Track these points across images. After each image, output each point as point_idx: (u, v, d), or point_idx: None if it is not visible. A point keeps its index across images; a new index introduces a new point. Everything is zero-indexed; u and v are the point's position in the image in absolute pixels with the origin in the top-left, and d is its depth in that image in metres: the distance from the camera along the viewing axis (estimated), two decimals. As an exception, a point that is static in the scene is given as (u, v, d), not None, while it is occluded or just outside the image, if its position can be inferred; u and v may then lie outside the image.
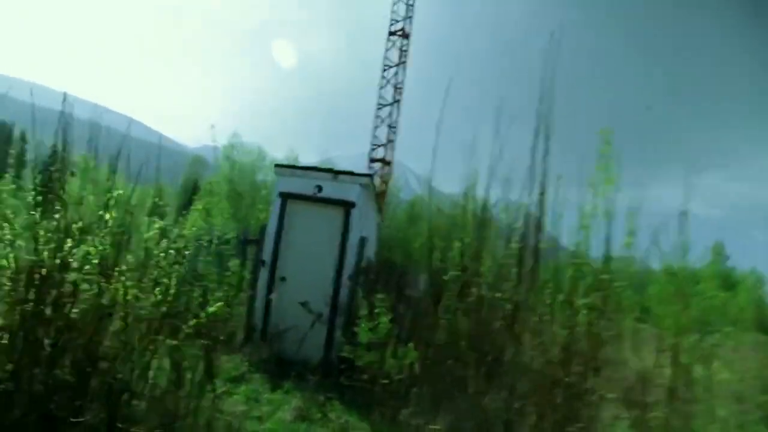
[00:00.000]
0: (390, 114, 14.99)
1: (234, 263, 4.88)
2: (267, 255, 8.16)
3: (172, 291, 4.08)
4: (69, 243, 3.76)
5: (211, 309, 4.09)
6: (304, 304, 7.91)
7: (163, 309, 4.04)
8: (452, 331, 5.32)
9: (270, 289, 8.04)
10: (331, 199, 8.15)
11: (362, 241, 7.63)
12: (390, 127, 14.93)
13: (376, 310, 5.27)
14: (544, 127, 5.20)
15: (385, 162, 14.92)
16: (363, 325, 5.23)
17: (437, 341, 5.31)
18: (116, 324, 3.99)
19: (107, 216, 4.12)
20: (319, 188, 8.20)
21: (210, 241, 6.73)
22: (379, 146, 14.94)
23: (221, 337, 7.95)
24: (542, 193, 5.17)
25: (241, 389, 6.29)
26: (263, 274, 8.15)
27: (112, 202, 4.16)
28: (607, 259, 4.92)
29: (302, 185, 8.28)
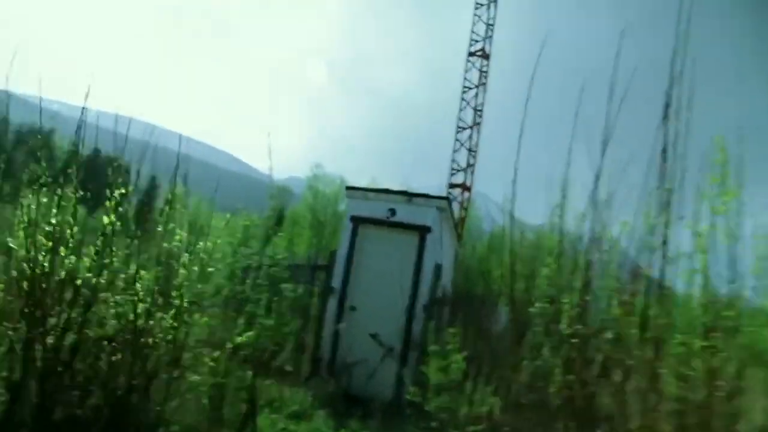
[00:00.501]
0: (470, 137, 14.36)
1: (290, 288, 4.40)
2: (336, 282, 7.71)
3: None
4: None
5: (238, 339, 3.61)
6: (374, 336, 7.35)
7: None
8: (539, 373, 4.55)
9: (339, 318, 7.55)
10: (405, 224, 7.61)
11: (438, 269, 7.02)
12: (470, 150, 14.28)
13: (449, 347, 4.60)
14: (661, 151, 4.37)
15: (465, 187, 14.23)
16: (432, 363, 4.56)
17: (521, 385, 4.56)
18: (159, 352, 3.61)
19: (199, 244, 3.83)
20: (393, 212, 7.70)
21: (262, 265, 6.35)
22: (458, 171, 14.28)
23: (285, 368, 7.59)
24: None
25: (301, 427, 5.77)
26: (332, 303, 7.69)
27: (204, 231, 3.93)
28: (733, 290, 4.03)
29: (375, 209, 7.81)
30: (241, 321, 4.21)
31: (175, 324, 3.52)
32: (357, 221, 7.84)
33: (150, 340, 3.44)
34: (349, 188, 8.08)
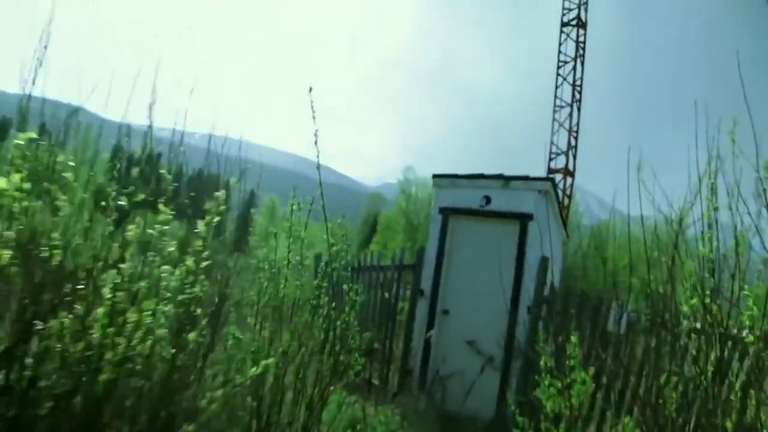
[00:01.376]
0: (569, 116, 12.83)
1: (352, 288, 3.55)
2: (426, 283, 6.79)
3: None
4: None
5: (252, 371, 2.79)
6: (471, 344, 6.37)
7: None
8: (695, 397, 3.36)
9: (430, 324, 6.63)
10: (503, 212, 6.55)
11: (544, 263, 5.90)
12: (570, 131, 12.76)
13: (570, 362, 3.51)
14: None
15: (568, 172, 12.70)
16: (547, 385, 3.48)
17: (672, 415, 3.41)
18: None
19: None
20: (487, 199, 6.67)
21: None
22: (558, 155, 12.80)
23: (372, 381, 6.77)
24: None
25: (389, 454, 4.91)
26: (422, 306, 6.78)
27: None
28: None
29: (466, 197, 6.82)
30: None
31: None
32: (447, 213, 6.88)
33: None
34: (436, 176, 7.13)
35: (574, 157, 12.67)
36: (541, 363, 3.36)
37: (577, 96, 12.61)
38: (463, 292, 6.69)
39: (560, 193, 12.44)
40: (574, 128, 12.65)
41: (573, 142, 12.62)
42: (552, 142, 12.95)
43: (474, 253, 6.73)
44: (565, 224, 8.07)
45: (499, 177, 6.68)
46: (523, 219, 6.40)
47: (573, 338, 3.45)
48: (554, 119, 12.80)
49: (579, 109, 12.62)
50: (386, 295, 6.92)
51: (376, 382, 6.77)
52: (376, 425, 5.42)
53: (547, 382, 3.48)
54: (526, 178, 6.53)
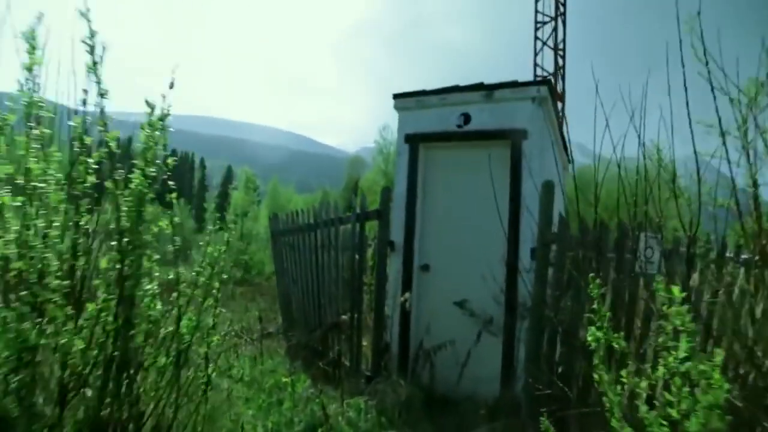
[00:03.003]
0: (553, 31, 11.14)
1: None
2: (396, 233, 5.30)
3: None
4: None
5: None
6: (461, 305, 4.92)
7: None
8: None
9: (407, 285, 5.16)
10: (487, 132, 5.03)
11: (548, 189, 4.37)
12: (555, 49, 11.10)
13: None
14: None
15: (557, 96, 11.09)
16: (614, 383, 1.95)
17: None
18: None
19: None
20: (466, 118, 5.13)
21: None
22: (545, 78, 11.20)
23: (342, 361, 5.33)
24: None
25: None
26: (394, 263, 5.30)
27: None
28: None
29: (439, 119, 5.27)
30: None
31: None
32: (415, 141, 5.34)
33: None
34: (398, 96, 5.54)
35: (563, 78, 11.06)
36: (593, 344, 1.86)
37: (561, 9, 10.92)
38: (444, 240, 5.22)
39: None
40: (560, 45, 10.98)
41: (560, 62, 10.99)
42: (536, 64, 11.30)
43: (454, 188, 5.23)
44: (565, 144, 6.56)
45: (479, 87, 5.12)
46: (515, 137, 4.88)
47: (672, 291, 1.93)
48: (536, 37, 11.06)
49: (564, 23, 10.93)
50: (347, 253, 5.42)
51: (346, 362, 5.32)
52: (344, 428, 4.00)
53: (609, 377, 1.97)
54: (515, 84, 4.97)
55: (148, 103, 2.38)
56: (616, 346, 1.73)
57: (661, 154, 3.47)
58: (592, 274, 2.01)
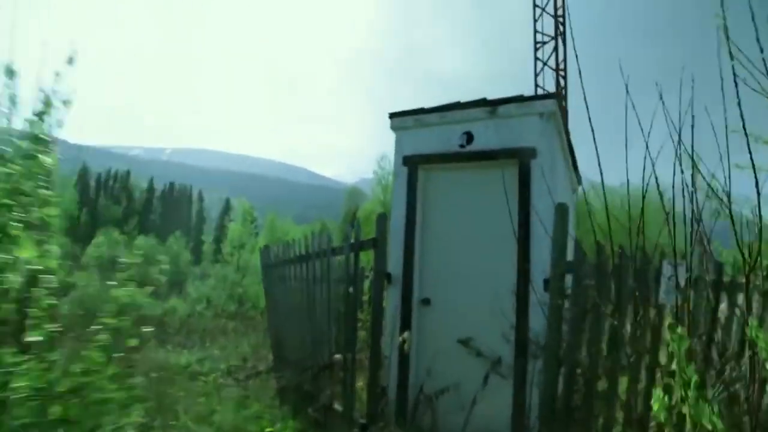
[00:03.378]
0: (554, 51, 10.80)
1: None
2: (395, 264, 4.83)
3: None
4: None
5: None
6: (466, 343, 4.41)
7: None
8: None
9: (406, 321, 4.66)
10: (492, 152, 4.60)
11: (562, 212, 3.91)
12: (557, 70, 10.75)
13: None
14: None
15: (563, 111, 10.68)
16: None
17: None
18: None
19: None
20: (469, 137, 4.71)
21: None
22: (551, 92, 10.78)
23: (333, 407, 4.79)
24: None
25: None
26: (391, 297, 4.81)
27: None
28: None
29: (439, 138, 4.85)
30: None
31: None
32: (414, 163, 4.91)
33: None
34: (395, 115, 5.13)
35: (565, 100, 10.72)
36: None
37: (561, 29, 10.60)
38: (447, 271, 4.74)
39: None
40: (561, 65, 10.66)
41: (562, 82, 10.65)
42: (537, 85, 10.99)
43: (457, 213, 4.78)
44: (575, 163, 6.12)
45: (482, 103, 4.70)
46: (523, 156, 4.45)
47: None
48: (536, 58, 10.77)
49: (564, 43, 10.63)
50: (340, 287, 4.93)
51: (338, 408, 4.78)
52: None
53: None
54: (520, 99, 4.56)
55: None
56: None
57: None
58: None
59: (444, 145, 4.80)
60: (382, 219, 4.61)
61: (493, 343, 4.25)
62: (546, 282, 4.13)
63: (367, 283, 5.85)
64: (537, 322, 4.12)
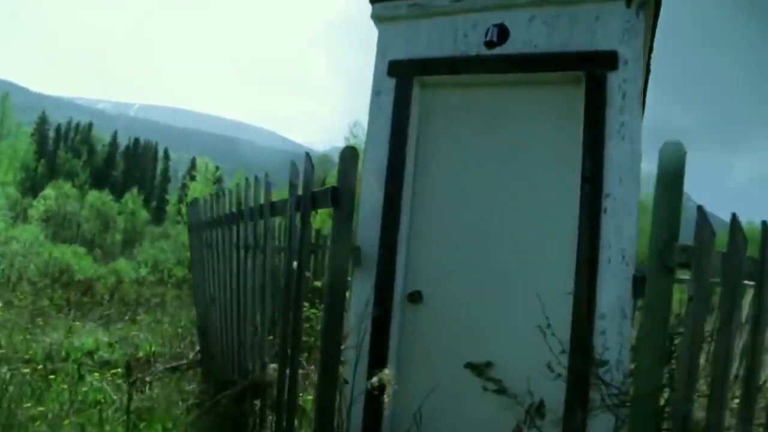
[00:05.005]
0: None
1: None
2: (367, 234, 3.01)
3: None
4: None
5: None
6: (480, 371, 2.63)
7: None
8: None
9: (380, 326, 2.86)
10: (540, 57, 2.77)
11: (677, 163, 2.14)
12: None
13: None
14: None
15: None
16: None
17: None
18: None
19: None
20: (501, 32, 2.86)
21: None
22: None
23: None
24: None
25: None
26: (360, 286, 2.98)
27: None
28: None
29: (448, 34, 2.99)
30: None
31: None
32: (406, 72, 3.04)
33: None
34: (377, 0, 3.23)
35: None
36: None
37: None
38: (453, 250, 2.93)
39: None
40: None
41: None
42: None
43: (474, 159, 2.96)
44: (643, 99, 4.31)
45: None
46: (595, 67, 2.64)
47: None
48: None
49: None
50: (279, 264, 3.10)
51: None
52: None
53: None
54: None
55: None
56: None
57: None
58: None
59: (457, 44, 2.95)
60: (350, 156, 2.71)
61: (529, 374, 2.47)
62: (637, 281, 2.38)
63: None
64: (611, 345, 2.38)
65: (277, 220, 3.35)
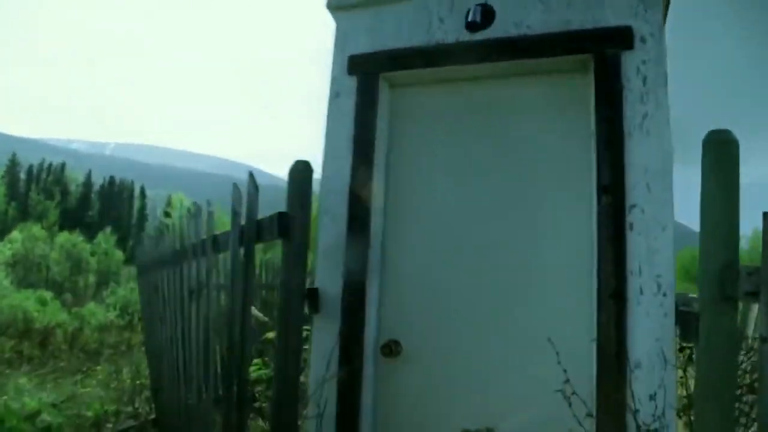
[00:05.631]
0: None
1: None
2: (327, 272, 2.39)
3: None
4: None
5: None
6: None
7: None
8: None
9: (349, 390, 2.23)
10: (539, 38, 2.23)
11: (728, 155, 1.60)
12: None
13: None
14: None
15: None
16: None
17: None
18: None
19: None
20: (485, 12, 2.31)
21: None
22: None
23: None
24: None
25: None
26: (323, 335, 2.35)
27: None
28: None
29: (420, 20, 2.45)
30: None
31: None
32: (370, 68, 2.48)
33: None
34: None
35: None
36: None
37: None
38: (437, 287, 2.33)
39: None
40: None
41: None
42: None
43: (459, 170, 2.38)
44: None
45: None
46: (605, 48, 2.11)
47: None
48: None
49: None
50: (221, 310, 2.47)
51: None
52: None
53: None
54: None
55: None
56: None
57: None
58: None
59: (432, 31, 2.40)
60: (302, 173, 2.10)
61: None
62: (679, 315, 1.80)
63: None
64: (652, 403, 1.80)
65: (222, 256, 2.74)
